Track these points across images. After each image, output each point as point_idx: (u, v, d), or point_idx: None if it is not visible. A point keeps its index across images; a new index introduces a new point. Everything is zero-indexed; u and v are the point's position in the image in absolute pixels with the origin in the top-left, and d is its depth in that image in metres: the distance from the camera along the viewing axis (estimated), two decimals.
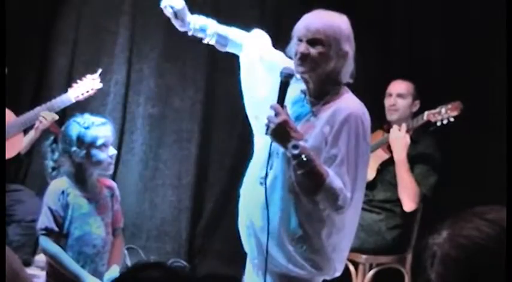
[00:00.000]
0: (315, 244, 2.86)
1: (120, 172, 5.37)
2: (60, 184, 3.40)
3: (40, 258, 4.76)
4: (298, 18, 2.92)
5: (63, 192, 3.37)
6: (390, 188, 4.41)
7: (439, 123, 4.27)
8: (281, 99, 2.82)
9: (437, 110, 4.28)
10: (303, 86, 2.96)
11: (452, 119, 4.23)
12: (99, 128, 3.38)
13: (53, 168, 3.44)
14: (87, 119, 3.40)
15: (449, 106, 4.23)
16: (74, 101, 4.57)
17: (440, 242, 1.44)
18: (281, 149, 2.83)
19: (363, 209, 4.46)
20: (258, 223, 2.90)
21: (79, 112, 3.58)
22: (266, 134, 2.79)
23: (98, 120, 3.41)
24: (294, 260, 2.88)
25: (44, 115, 4.51)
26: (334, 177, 2.74)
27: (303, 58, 2.84)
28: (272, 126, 2.75)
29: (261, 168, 2.92)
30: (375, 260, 4.43)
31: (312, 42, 2.84)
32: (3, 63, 4.68)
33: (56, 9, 5.49)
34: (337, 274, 3.00)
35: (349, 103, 2.92)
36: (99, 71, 4.63)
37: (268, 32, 3.26)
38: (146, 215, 5.40)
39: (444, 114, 4.24)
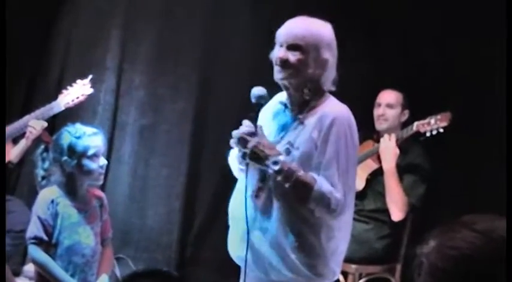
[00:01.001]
0: (315, 250, 2.88)
1: (109, 181, 5.35)
2: (49, 193, 3.40)
3: (29, 268, 4.74)
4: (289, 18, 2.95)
5: (52, 201, 3.37)
6: (380, 198, 4.42)
7: (428, 134, 4.28)
8: (253, 120, 2.87)
9: (426, 120, 4.29)
10: (281, 98, 3.00)
11: (441, 130, 4.24)
12: (90, 138, 3.38)
13: (43, 177, 3.45)
14: (78, 128, 3.41)
15: (439, 117, 4.24)
16: (63, 108, 4.51)
17: (427, 252, 1.44)
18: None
19: (353, 218, 4.49)
20: (256, 235, 2.91)
21: (69, 121, 3.59)
22: (244, 159, 2.84)
23: (89, 130, 3.42)
24: (296, 269, 2.89)
25: (33, 124, 4.47)
26: (322, 183, 2.78)
27: (282, 64, 2.86)
28: (247, 151, 2.80)
29: (253, 182, 2.93)
30: (364, 269, 4.43)
31: (291, 47, 2.86)
32: (3, 63, 4.67)
33: (48, 19, 5.48)
34: (336, 277, 3.03)
35: (334, 107, 2.95)
36: (90, 76, 4.59)
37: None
38: (136, 224, 5.38)
39: (434, 124, 4.25)
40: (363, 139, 4.71)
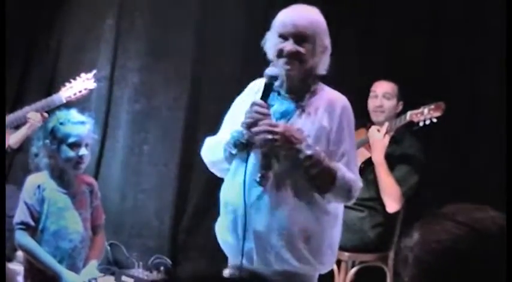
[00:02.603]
0: (324, 238, 2.91)
1: (103, 168, 5.37)
2: (36, 179, 3.41)
3: (22, 253, 4.75)
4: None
5: (39, 186, 3.39)
6: (372, 186, 4.41)
7: (421, 124, 4.26)
8: (266, 99, 2.84)
9: (420, 110, 4.28)
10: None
11: (434, 120, 4.23)
12: (73, 126, 3.38)
13: (36, 155, 3.45)
14: (66, 114, 3.42)
15: (432, 106, 4.23)
16: (64, 101, 4.51)
17: (411, 245, 1.45)
18: (281, 152, 2.83)
19: (346, 207, 4.49)
20: (262, 225, 2.86)
21: (64, 107, 3.58)
22: (265, 143, 2.79)
23: (76, 117, 3.41)
24: (304, 258, 2.88)
25: (31, 116, 4.48)
26: (344, 170, 2.82)
27: (292, 56, 2.84)
28: (276, 136, 2.75)
29: (255, 169, 2.87)
30: (357, 257, 4.44)
31: (298, 39, 2.83)
32: (3, 63, 4.67)
33: (43, 7, 5.47)
34: (331, 267, 3.07)
35: (335, 94, 2.99)
36: (94, 71, 4.60)
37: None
38: (129, 210, 5.39)
39: (427, 114, 4.24)
40: (356, 127, 4.73)
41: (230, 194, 2.96)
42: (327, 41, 2.90)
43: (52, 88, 5.19)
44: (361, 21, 5.03)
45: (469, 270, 1.38)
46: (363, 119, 4.60)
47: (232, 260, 3.03)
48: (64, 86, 4.56)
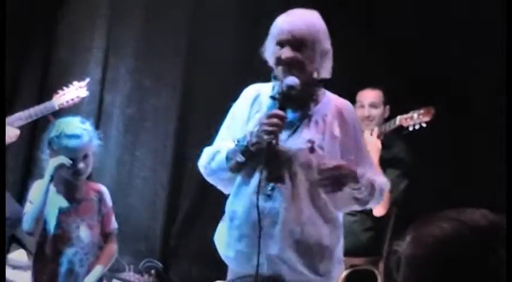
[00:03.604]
0: (336, 251, 2.92)
1: (94, 171, 5.35)
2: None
3: (13, 256, 4.74)
4: (276, 15, 2.87)
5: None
6: None
7: (411, 128, 4.27)
8: (283, 110, 2.74)
9: (409, 114, 4.28)
10: (270, 92, 2.86)
11: (424, 125, 4.24)
12: (68, 140, 3.37)
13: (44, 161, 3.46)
14: (63, 126, 3.41)
15: (422, 111, 4.23)
16: (57, 108, 4.51)
17: (404, 247, 1.46)
18: (294, 163, 2.78)
19: None
20: (276, 238, 2.76)
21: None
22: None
23: (72, 130, 3.39)
24: (318, 271, 2.84)
25: (7, 132, 4.40)
26: (375, 177, 2.87)
27: (290, 64, 2.76)
28: (327, 175, 2.72)
29: (263, 181, 2.76)
30: (348, 261, 4.43)
31: (296, 45, 2.75)
32: (3, 63, 4.66)
33: (34, 9, 5.46)
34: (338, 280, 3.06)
35: (341, 100, 2.97)
36: (87, 80, 4.60)
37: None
38: (121, 215, 5.36)
39: (416, 119, 4.24)
40: None
41: (237, 207, 2.86)
42: (328, 45, 2.82)
43: (43, 95, 5.17)
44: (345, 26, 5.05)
45: (460, 263, 1.39)
46: None
47: (238, 269, 2.92)
48: (57, 93, 4.56)
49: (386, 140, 4.46)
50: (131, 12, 5.46)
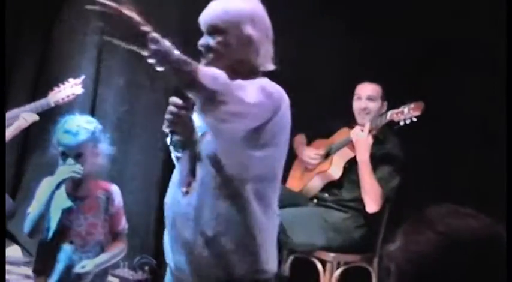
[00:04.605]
0: (256, 251, 2.62)
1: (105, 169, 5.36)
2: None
3: (6, 253, 4.73)
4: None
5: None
6: (356, 187, 4.43)
7: (402, 123, 4.28)
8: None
9: (400, 109, 4.29)
10: None
11: (414, 119, 4.24)
12: (63, 135, 3.37)
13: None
14: (65, 121, 3.41)
15: (412, 106, 4.24)
16: (53, 105, 4.57)
17: (394, 255, 1.46)
18: (205, 152, 2.59)
19: (331, 207, 4.51)
20: (187, 234, 2.64)
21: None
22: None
23: (68, 126, 3.38)
24: (232, 267, 2.61)
25: (25, 116, 4.52)
26: (206, 76, 2.37)
27: (204, 51, 2.64)
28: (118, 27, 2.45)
29: (185, 175, 2.68)
30: (342, 258, 4.46)
31: (211, 31, 2.63)
32: (3, 63, 4.66)
33: (29, 12, 5.46)
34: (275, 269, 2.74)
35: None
36: (82, 77, 4.62)
37: None
38: None
39: (407, 113, 4.25)
40: (337, 127, 4.74)
41: (167, 204, 2.77)
42: (251, 30, 2.60)
43: (37, 92, 5.18)
44: (346, 21, 5.05)
45: (447, 279, 1.40)
46: (345, 119, 4.62)
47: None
48: (52, 90, 4.58)
49: (380, 135, 4.48)
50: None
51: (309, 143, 4.87)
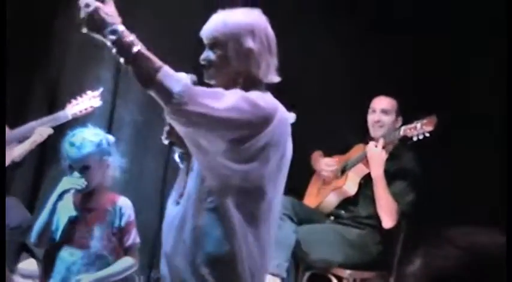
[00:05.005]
0: (233, 267, 2.54)
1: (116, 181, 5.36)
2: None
3: (23, 266, 4.74)
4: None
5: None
6: (372, 203, 4.40)
7: (415, 138, 4.25)
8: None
9: (413, 125, 4.26)
10: None
11: (427, 134, 4.20)
12: (68, 148, 3.38)
13: None
14: (73, 134, 3.42)
15: (425, 121, 4.21)
16: (70, 117, 4.58)
17: (414, 272, 1.44)
18: (195, 165, 2.58)
19: (348, 225, 4.48)
20: (169, 245, 2.64)
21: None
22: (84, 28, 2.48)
23: (75, 139, 3.39)
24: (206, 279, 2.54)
25: (40, 131, 4.54)
26: (167, 76, 2.40)
27: (204, 64, 2.63)
28: (84, 15, 2.44)
29: (178, 187, 2.70)
30: (358, 275, 4.43)
31: (212, 45, 2.61)
32: (4, 64, 4.68)
33: (45, 18, 5.47)
34: None
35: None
36: (101, 89, 4.63)
37: None
38: None
39: (419, 129, 4.22)
40: (353, 143, 4.72)
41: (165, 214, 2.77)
42: (251, 43, 2.57)
43: (55, 104, 5.19)
44: (361, 36, 5.04)
45: None
46: (362, 135, 4.60)
47: None
48: (70, 102, 4.59)
49: (395, 151, 4.45)
50: (142, 21, 5.46)
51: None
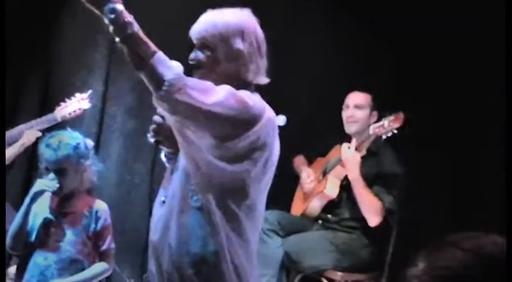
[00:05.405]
0: (218, 266, 2.54)
1: (94, 185, 5.33)
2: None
3: (13, 270, 4.71)
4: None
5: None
6: (355, 204, 4.37)
7: (384, 137, 4.20)
8: None
9: (381, 123, 4.22)
10: None
11: (395, 131, 4.14)
12: (44, 150, 3.36)
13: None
14: (51, 136, 3.41)
15: (392, 118, 4.15)
16: (60, 120, 4.54)
17: (417, 274, 1.44)
18: (181, 164, 2.58)
19: (336, 229, 4.46)
20: (156, 245, 2.63)
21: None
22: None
23: (51, 141, 3.37)
24: (190, 277, 2.55)
25: (28, 134, 4.48)
26: (160, 62, 2.38)
27: (194, 65, 2.61)
28: None
29: (164, 187, 2.69)
30: (350, 277, 4.42)
31: (200, 46, 2.60)
32: (4, 64, 4.66)
33: (40, 22, 5.46)
34: None
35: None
36: (89, 92, 4.61)
37: None
38: (120, 228, 5.35)
39: (387, 127, 4.16)
40: (331, 145, 4.69)
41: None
42: (241, 44, 2.57)
43: (45, 107, 5.17)
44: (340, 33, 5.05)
45: None
46: (342, 134, 4.56)
47: None
48: (59, 105, 4.57)
49: (373, 147, 4.44)
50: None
51: (310, 162, 4.84)
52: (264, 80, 2.66)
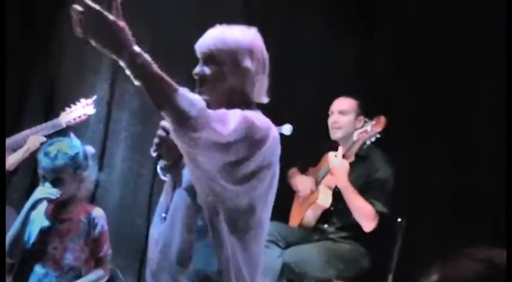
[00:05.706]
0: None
1: (100, 190, 5.34)
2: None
3: None
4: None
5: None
6: (348, 211, 4.36)
7: (368, 142, 4.21)
8: None
9: (364, 128, 4.23)
10: None
11: (378, 136, 4.15)
12: (42, 158, 3.35)
13: None
14: (46, 146, 3.40)
15: (374, 122, 4.16)
16: (64, 125, 4.54)
17: None
18: (184, 179, 2.56)
19: (334, 239, 4.44)
20: (156, 262, 2.59)
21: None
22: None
23: (50, 149, 3.36)
24: None
25: (33, 139, 4.47)
26: (183, 99, 2.29)
27: (199, 80, 2.60)
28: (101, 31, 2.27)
29: (164, 201, 2.66)
30: None
31: (207, 60, 2.58)
32: (4, 64, 4.67)
33: (42, 25, 5.47)
34: None
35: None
36: (94, 97, 4.61)
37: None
38: (126, 234, 5.35)
39: (370, 131, 4.17)
40: (319, 153, 4.68)
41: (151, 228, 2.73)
42: (249, 63, 2.57)
43: (50, 112, 5.18)
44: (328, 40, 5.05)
45: None
46: (326, 143, 4.55)
47: None
48: (64, 110, 4.57)
49: (362, 152, 4.42)
50: (140, 28, 5.45)
51: (303, 174, 4.82)
52: (265, 99, 2.67)
